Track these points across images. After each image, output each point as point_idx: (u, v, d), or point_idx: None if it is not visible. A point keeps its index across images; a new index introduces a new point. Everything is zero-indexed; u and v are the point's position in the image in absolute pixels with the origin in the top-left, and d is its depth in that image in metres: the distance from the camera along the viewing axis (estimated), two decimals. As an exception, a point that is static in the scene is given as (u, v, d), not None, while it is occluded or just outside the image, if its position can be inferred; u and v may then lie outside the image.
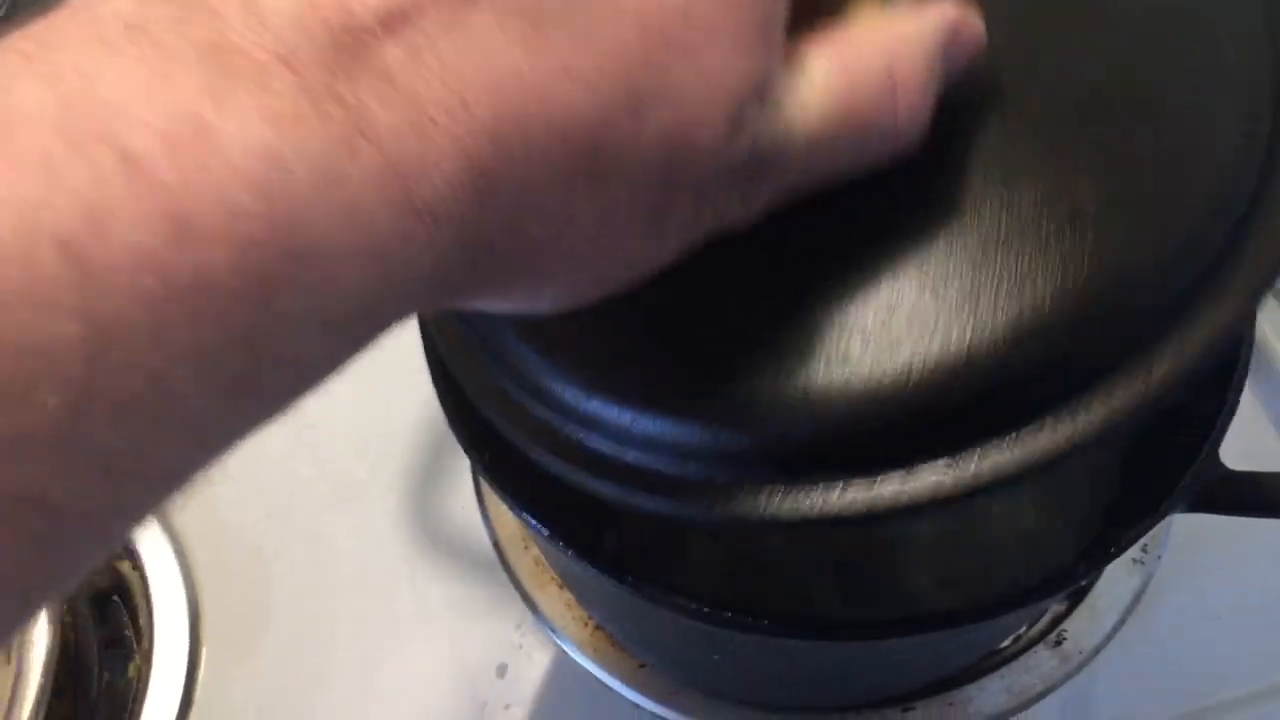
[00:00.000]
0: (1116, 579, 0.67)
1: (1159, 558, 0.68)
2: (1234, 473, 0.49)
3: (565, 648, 0.67)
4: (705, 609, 0.44)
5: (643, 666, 0.66)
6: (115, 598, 0.72)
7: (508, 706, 0.68)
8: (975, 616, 0.43)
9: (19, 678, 0.55)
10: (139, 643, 0.71)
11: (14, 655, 0.56)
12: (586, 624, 0.67)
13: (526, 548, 0.71)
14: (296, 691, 0.69)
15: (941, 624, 0.43)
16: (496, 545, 0.71)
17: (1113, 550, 0.46)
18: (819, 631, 0.44)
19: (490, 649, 0.70)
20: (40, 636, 0.56)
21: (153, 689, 0.68)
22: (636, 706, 0.66)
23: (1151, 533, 0.55)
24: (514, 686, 0.69)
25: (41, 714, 0.55)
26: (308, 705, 0.68)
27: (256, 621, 0.71)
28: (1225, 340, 0.30)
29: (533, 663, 0.69)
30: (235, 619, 0.71)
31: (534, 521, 0.48)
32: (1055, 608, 0.67)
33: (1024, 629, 0.66)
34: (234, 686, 0.69)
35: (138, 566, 0.72)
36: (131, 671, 0.70)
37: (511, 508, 0.49)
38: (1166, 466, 0.50)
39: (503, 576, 0.70)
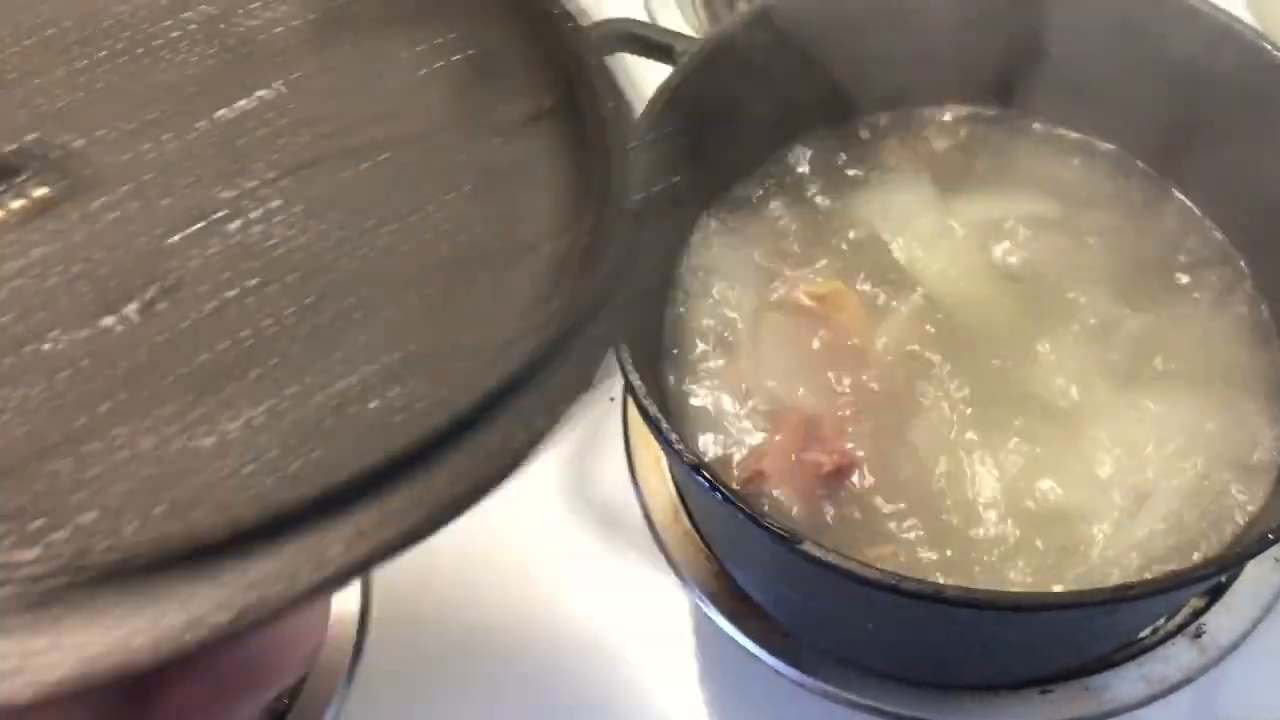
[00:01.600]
0: (1258, 577, 0.68)
1: (1301, 557, 0.69)
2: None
3: (711, 616, 0.71)
4: (891, 578, 0.47)
5: (786, 636, 0.69)
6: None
7: (656, 673, 0.71)
8: (1153, 590, 0.45)
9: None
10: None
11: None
12: (735, 594, 0.71)
13: (677, 519, 0.74)
14: (458, 649, 0.73)
15: (1116, 598, 0.45)
16: (647, 516, 0.75)
17: (1271, 537, 0.48)
18: (998, 603, 0.46)
19: (638, 616, 0.73)
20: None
21: (321, 666, 0.73)
22: (779, 674, 0.69)
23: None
24: (662, 654, 0.72)
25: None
26: (468, 663, 0.72)
27: (420, 581, 0.75)
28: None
29: (679, 631, 0.73)
30: (400, 581, 0.75)
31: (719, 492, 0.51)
32: (1195, 602, 0.68)
33: (1163, 620, 0.68)
34: (399, 644, 0.73)
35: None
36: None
37: (689, 476, 0.52)
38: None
39: (653, 546, 0.74)
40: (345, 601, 0.74)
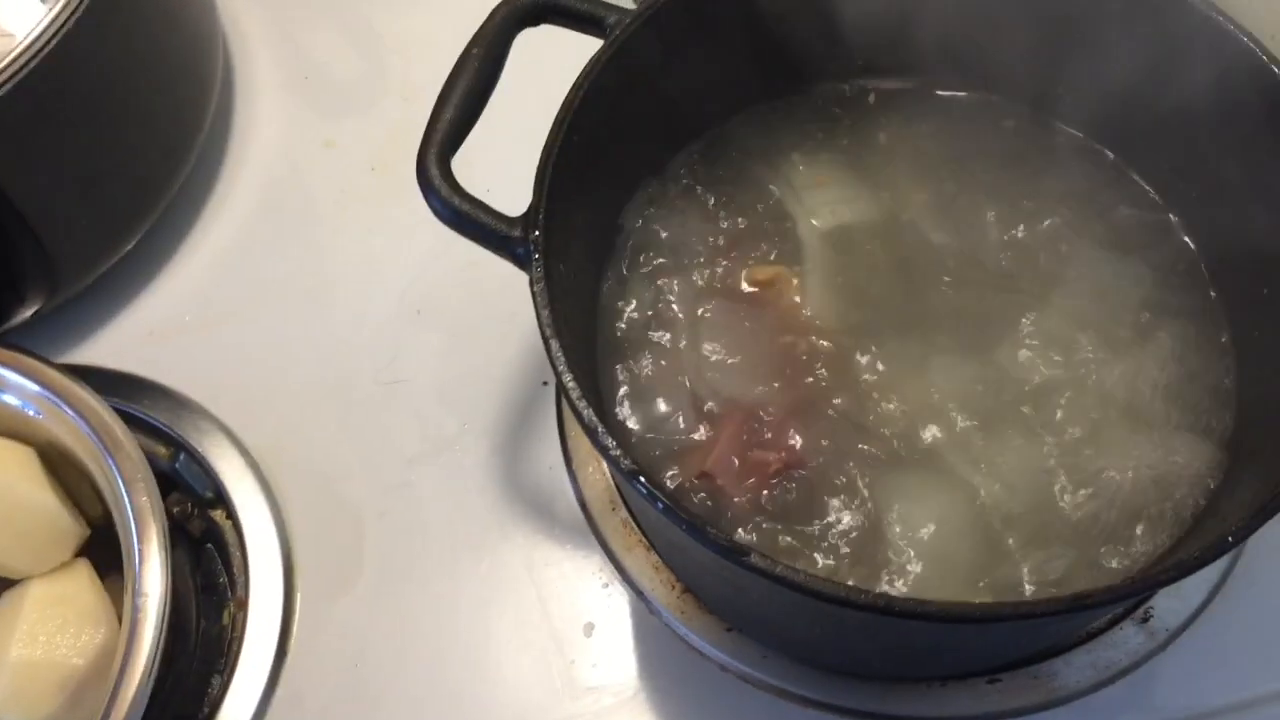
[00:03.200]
0: (1205, 560, 0.67)
1: (1246, 541, 0.68)
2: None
3: (652, 609, 0.69)
4: (830, 588, 0.45)
5: (730, 630, 0.67)
6: (209, 546, 0.73)
7: (595, 665, 0.69)
8: (1101, 601, 0.43)
9: (136, 621, 0.56)
10: (233, 590, 0.72)
11: (129, 600, 0.57)
12: (674, 586, 0.68)
13: (614, 509, 0.71)
14: (389, 640, 0.70)
15: (1072, 607, 0.43)
16: (584, 506, 0.72)
17: (1231, 540, 0.47)
18: (942, 615, 0.44)
19: (577, 607, 0.71)
20: (154, 582, 0.58)
21: (249, 636, 0.70)
22: (723, 669, 0.67)
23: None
24: (601, 645, 0.70)
25: (159, 653, 0.56)
26: (399, 654, 0.70)
27: (349, 570, 0.72)
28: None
29: (619, 623, 0.70)
30: (328, 567, 0.72)
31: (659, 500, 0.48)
32: (1142, 586, 0.67)
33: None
34: (328, 633, 0.70)
35: (231, 515, 0.73)
36: (226, 618, 0.71)
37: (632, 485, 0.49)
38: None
39: (589, 536, 0.71)
40: (269, 592, 0.71)
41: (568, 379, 0.52)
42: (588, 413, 0.51)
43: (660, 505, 0.49)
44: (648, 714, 0.68)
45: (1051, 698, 0.65)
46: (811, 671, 0.66)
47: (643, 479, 0.49)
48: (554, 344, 0.53)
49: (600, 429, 0.50)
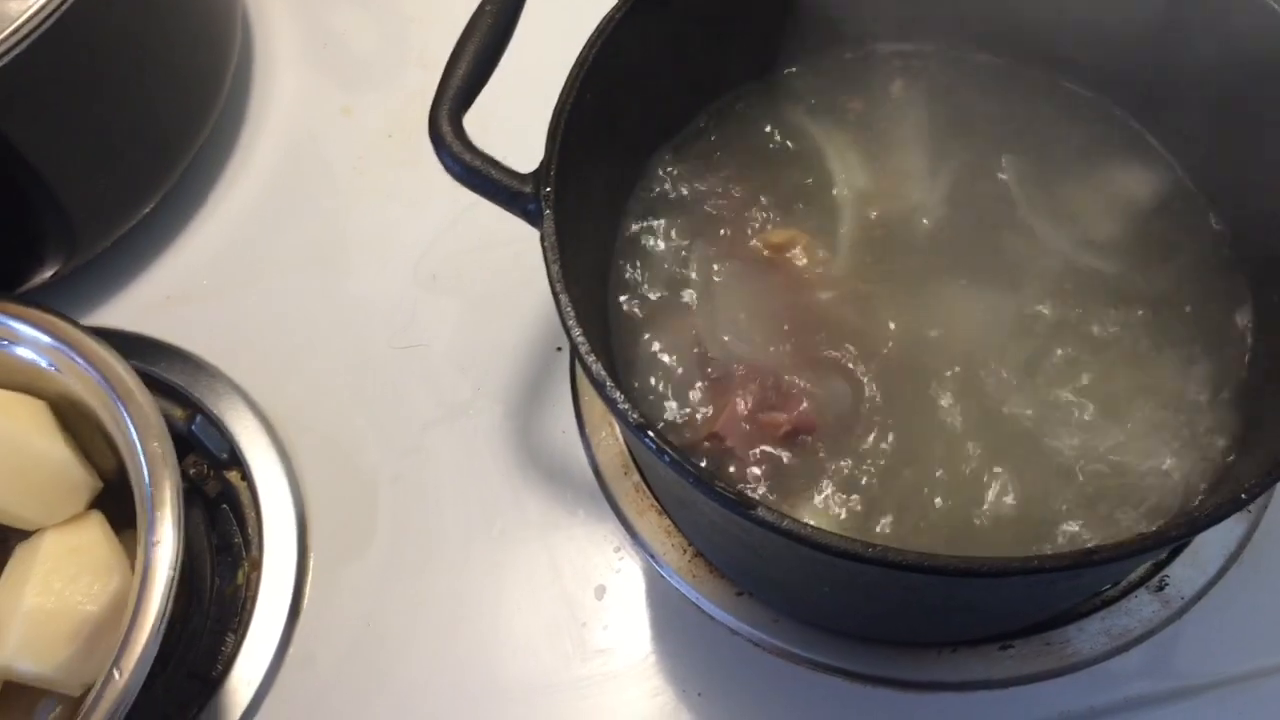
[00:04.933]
0: (1222, 527, 0.66)
1: (1265, 508, 0.68)
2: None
3: (664, 573, 0.68)
4: (836, 541, 0.45)
5: (740, 594, 0.67)
6: (224, 507, 0.74)
7: (606, 628, 0.69)
8: (1112, 556, 0.43)
9: (149, 566, 0.57)
10: (247, 550, 0.73)
11: (142, 548, 0.58)
12: (685, 550, 0.68)
13: (627, 473, 0.71)
14: (401, 601, 0.70)
15: (1084, 563, 0.43)
16: (596, 470, 0.72)
17: (1244, 496, 0.46)
18: (956, 569, 0.44)
19: (589, 571, 0.71)
20: (167, 530, 0.58)
21: (262, 595, 0.70)
22: (733, 633, 0.67)
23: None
24: (612, 609, 0.70)
25: (171, 599, 0.56)
26: (411, 615, 0.70)
27: (362, 532, 0.72)
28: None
29: (631, 587, 0.70)
30: (341, 529, 0.73)
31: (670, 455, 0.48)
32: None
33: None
34: (341, 594, 0.71)
35: (246, 476, 0.74)
36: (240, 578, 0.72)
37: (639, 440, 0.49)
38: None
39: (602, 500, 0.71)
40: (283, 553, 0.72)
41: (576, 333, 0.51)
42: (596, 367, 0.51)
43: (666, 458, 0.48)
44: (657, 677, 0.68)
45: (1065, 664, 0.64)
46: (822, 635, 0.66)
47: (650, 434, 0.49)
48: (563, 298, 0.52)
49: (609, 383, 0.50)
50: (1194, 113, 0.64)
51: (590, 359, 0.51)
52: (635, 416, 0.49)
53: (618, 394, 0.50)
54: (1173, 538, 0.46)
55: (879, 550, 0.45)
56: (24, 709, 0.63)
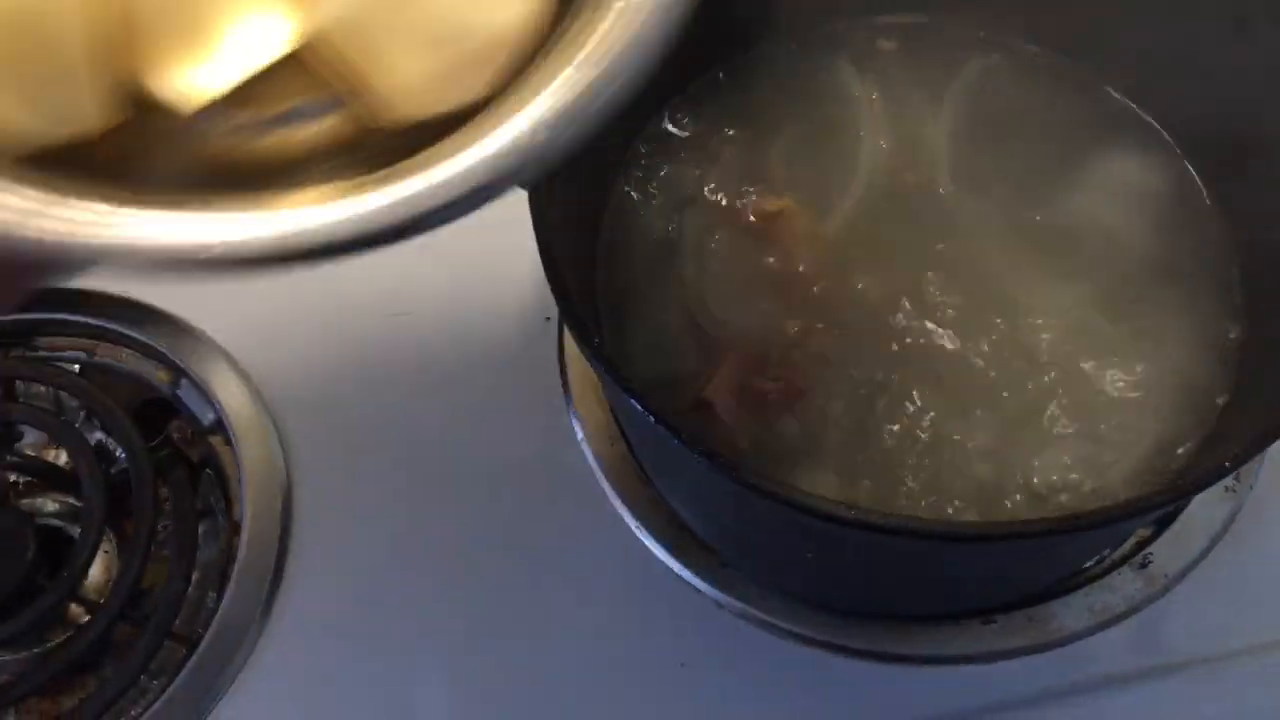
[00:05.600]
0: (1207, 504, 0.67)
1: (1250, 488, 0.68)
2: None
3: (649, 544, 0.68)
4: (833, 507, 0.45)
5: (725, 566, 0.67)
6: (209, 471, 0.73)
7: (592, 602, 0.69)
8: (1101, 521, 0.43)
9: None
10: (230, 515, 0.72)
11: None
12: (671, 521, 0.68)
13: (613, 444, 0.71)
14: (386, 568, 0.70)
15: (1066, 528, 0.43)
16: (583, 441, 0.72)
17: (1229, 465, 0.46)
18: (937, 533, 0.44)
19: (576, 544, 0.70)
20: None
21: (243, 562, 0.70)
22: (718, 605, 0.67)
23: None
24: (599, 581, 0.69)
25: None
26: (396, 583, 0.70)
27: (347, 499, 0.72)
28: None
29: (618, 559, 0.70)
30: (326, 495, 0.72)
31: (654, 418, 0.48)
32: (1142, 531, 0.66)
33: (1109, 550, 0.66)
34: (325, 561, 0.70)
35: (230, 441, 0.73)
36: (223, 543, 0.71)
37: (622, 395, 0.49)
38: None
39: (588, 471, 0.71)
40: (268, 518, 0.71)
41: (568, 299, 0.51)
42: (578, 323, 0.50)
43: (655, 421, 0.48)
44: (640, 648, 0.67)
45: (1048, 639, 0.64)
46: (806, 609, 0.66)
47: (632, 390, 0.49)
48: (552, 269, 0.52)
49: (594, 340, 0.50)
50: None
51: (573, 311, 0.50)
52: (625, 381, 0.49)
53: (607, 356, 0.50)
54: (1157, 504, 0.45)
55: (860, 513, 0.45)
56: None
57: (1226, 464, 0.46)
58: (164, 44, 0.39)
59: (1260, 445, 0.47)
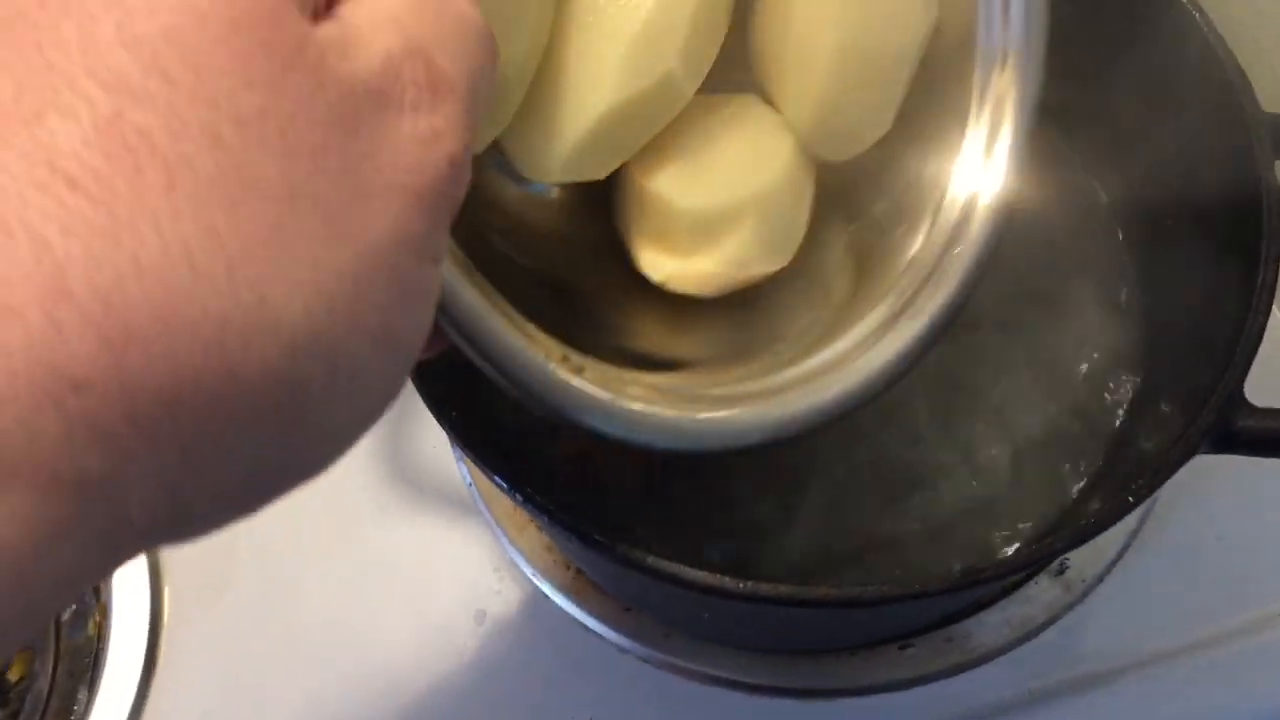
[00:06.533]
0: (1120, 508, 0.64)
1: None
2: (1261, 409, 0.46)
3: (547, 592, 0.65)
4: (708, 581, 0.41)
5: (628, 610, 0.63)
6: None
7: (486, 655, 0.65)
8: (994, 576, 0.40)
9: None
10: (97, 598, 0.67)
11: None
12: (569, 567, 0.64)
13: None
14: (265, 645, 0.65)
15: (946, 589, 0.40)
16: (472, 485, 0.68)
17: (1133, 499, 0.43)
18: (820, 603, 0.41)
19: (467, 594, 0.66)
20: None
21: (114, 646, 0.65)
22: (623, 651, 0.63)
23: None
24: (493, 634, 0.65)
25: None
26: (277, 658, 0.65)
27: (220, 570, 0.67)
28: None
29: (513, 608, 0.66)
30: (197, 569, 0.68)
31: (511, 488, 0.44)
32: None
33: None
34: (199, 641, 0.66)
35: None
36: (91, 629, 0.66)
37: (483, 468, 0.45)
38: (1187, 406, 0.47)
39: (479, 518, 0.67)
40: (135, 599, 0.66)
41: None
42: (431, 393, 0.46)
43: (519, 497, 0.44)
44: (545, 702, 0.64)
45: (969, 658, 0.62)
46: (716, 648, 0.62)
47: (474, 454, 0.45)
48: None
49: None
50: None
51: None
52: (490, 462, 0.45)
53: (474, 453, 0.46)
54: (1058, 550, 0.43)
55: (749, 587, 0.42)
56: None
57: (1129, 499, 0.43)
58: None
59: (1164, 475, 0.44)
